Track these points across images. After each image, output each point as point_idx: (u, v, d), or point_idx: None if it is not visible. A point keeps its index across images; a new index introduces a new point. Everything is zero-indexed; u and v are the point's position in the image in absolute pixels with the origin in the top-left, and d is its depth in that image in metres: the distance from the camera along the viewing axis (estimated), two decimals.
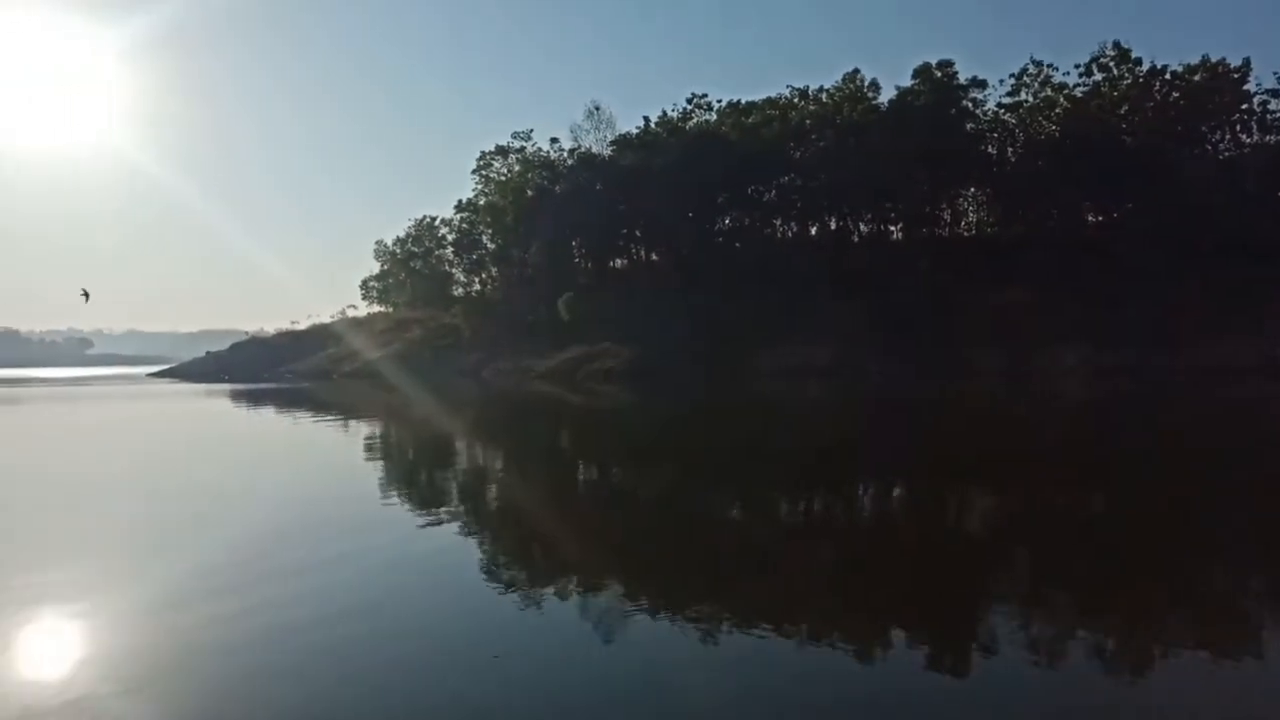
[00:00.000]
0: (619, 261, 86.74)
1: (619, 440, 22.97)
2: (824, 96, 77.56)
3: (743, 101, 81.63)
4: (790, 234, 79.88)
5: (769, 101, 79.95)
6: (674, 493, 14.03)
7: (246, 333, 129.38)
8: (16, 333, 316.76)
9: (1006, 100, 71.86)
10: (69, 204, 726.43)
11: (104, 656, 6.22)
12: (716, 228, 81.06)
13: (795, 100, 79.07)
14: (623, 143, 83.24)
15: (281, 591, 7.67)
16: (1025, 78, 71.40)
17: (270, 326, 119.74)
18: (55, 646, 6.52)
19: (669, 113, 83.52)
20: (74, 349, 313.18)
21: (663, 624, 6.85)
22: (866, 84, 75.82)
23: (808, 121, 75.92)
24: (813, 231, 79.45)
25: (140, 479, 16.78)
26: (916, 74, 71.71)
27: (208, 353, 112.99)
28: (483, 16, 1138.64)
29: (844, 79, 76.74)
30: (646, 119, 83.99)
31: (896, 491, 14.12)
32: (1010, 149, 72.51)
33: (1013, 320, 53.12)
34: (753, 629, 6.64)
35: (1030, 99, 71.58)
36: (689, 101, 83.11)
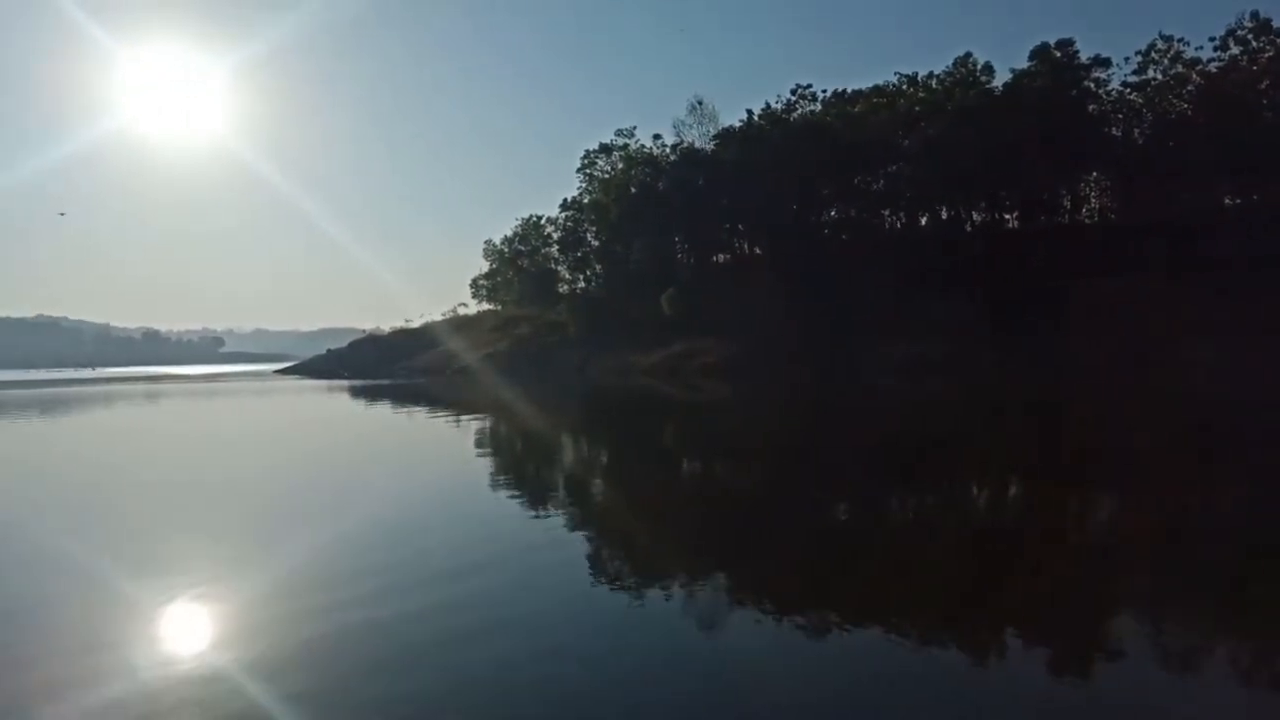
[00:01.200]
0: (722, 256, 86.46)
1: (730, 437, 22.68)
2: (934, 82, 75.25)
3: (848, 90, 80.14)
4: (899, 225, 77.83)
5: (876, 90, 78.12)
6: (793, 492, 13.90)
7: (364, 331, 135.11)
8: (157, 332, 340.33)
9: (1132, 79, 68.16)
10: (200, 215, 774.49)
11: (271, 658, 6.16)
12: (821, 220, 79.78)
13: (904, 87, 76.98)
14: (725, 136, 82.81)
15: (444, 596, 7.55)
16: (1154, 54, 67.53)
17: (386, 325, 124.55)
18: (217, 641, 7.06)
19: (772, 105, 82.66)
20: (208, 347, 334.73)
21: (769, 623, 6.86)
22: (979, 67, 73.17)
23: (917, 108, 73.79)
24: (923, 222, 77.20)
25: (283, 476, 17.79)
26: (1033, 55, 68.78)
27: (328, 350, 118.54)
28: (583, 18, 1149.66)
29: (955, 63, 74.28)
30: (749, 112, 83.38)
31: (1043, 499, 13.52)
32: (1136, 130, 68.71)
33: (1139, 311, 50.30)
34: (862, 629, 6.62)
35: (1159, 76, 67.66)
36: (793, 93, 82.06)
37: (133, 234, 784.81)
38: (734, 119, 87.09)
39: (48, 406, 43.30)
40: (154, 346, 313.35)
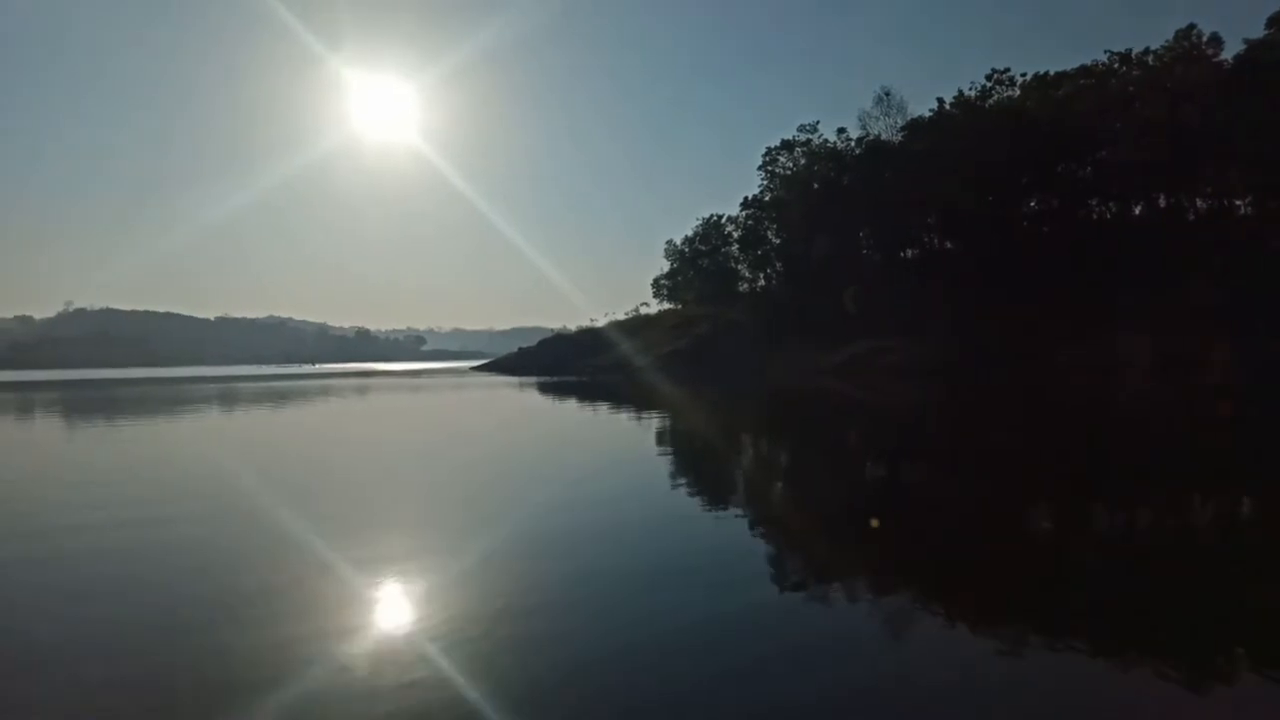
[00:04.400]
0: (909, 252, 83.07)
1: (934, 442, 21.68)
2: (1150, 59, 68.82)
3: (1050, 73, 74.73)
4: (1108, 215, 71.68)
5: (1083, 70, 72.40)
6: (1004, 505, 13.13)
7: (552, 330, 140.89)
8: (368, 331, 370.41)
9: None
10: (404, 223, 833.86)
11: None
12: (1021, 211, 74.87)
13: (1115, 66, 70.88)
14: (914, 127, 79.57)
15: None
16: None
17: (573, 324, 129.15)
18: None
19: (965, 92, 78.48)
20: (411, 345, 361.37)
21: (975, 640, 6.49)
22: (1204, 40, 66.24)
23: (1130, 88, 67.76)
24: (1136, 211, 70.65)
25: (484, 466, 18.78)
26: (1271, 23, 61.42)
27: (519, 348, 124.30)
28: (770, 15, 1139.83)
29: (1176, 36, 67.62)
30: (940, 100, 79.64)
31: None
32: None
33: None
34: (1070, 652, 6.13)
35: None
36: (987, 78, 77.55)
37: (347, 241, 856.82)
38: (923, 109, 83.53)
39: (279, 397, 48.01)
40: (365, 344, 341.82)
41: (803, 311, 76.71)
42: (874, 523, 10.28)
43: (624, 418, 29.47)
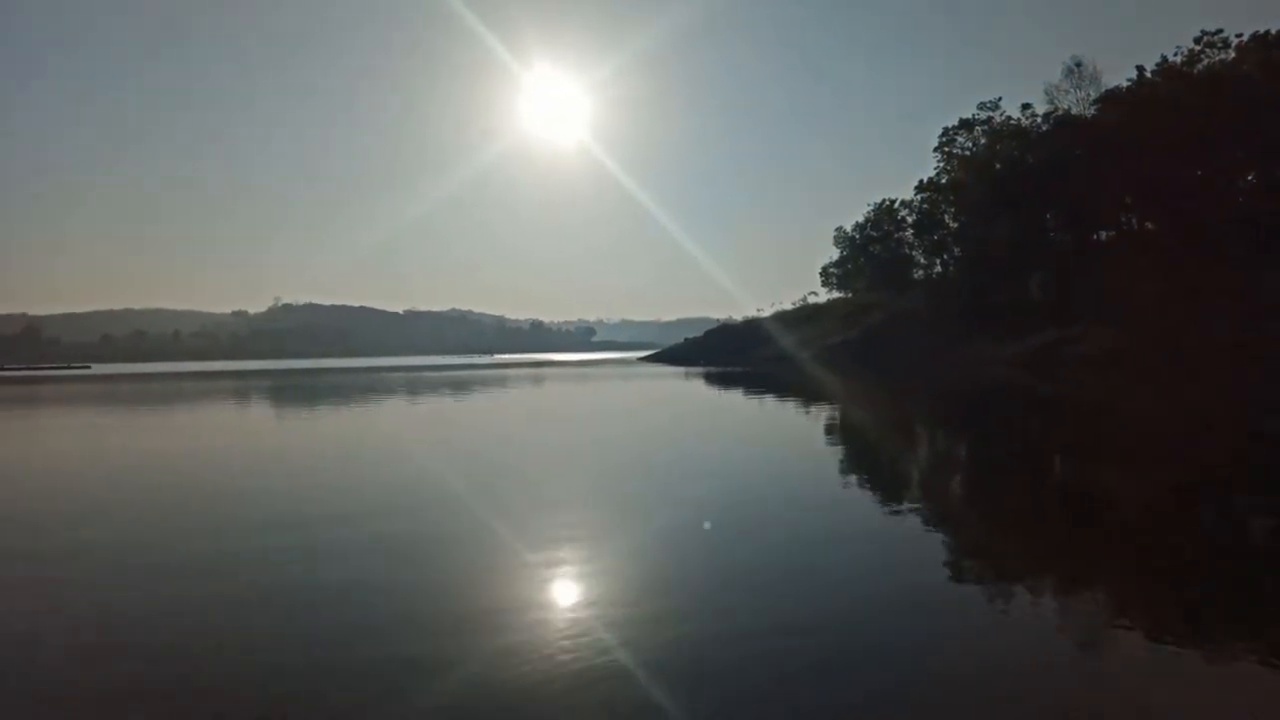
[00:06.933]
0: (1102, 234, 76.84)
1: (1128, 444, 19.20)
2: None
3: (1273, 32, 66.78)
4: None
5: None
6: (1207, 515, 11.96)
7: (718, 320, 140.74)
8: (541, 323, 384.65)
9: None
10: (573, 217, 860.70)
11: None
12: (1236, 186, 67.51)
13: None
14: (1110, 99, 73.40)
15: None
16: None
17: (738, 314, 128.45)
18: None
19: (1169, 58, 71.59)
20: (582, 336, 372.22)
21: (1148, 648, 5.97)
22: None
23: None
24: None
25: (654, 454, 19.20)
26: None
27: (685, 339, 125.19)
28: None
29: None
30: (1140, 69, 73.02)
31: None
32: None
33: None
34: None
35: None
36: (1196, 41, 70.26)
37: (522, 236, 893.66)
38: (1119, 80, 76.82)
39: (470, 385, 50.82)
40: (538, 336, 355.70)
41: (982, 299, 72.84)
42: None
43: (799, 411, 29.11)
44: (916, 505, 10.82)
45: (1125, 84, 73.49)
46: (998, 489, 12.74)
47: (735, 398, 36.29)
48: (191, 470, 15.20)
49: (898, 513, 10.26)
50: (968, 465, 15.99)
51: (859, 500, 11.62)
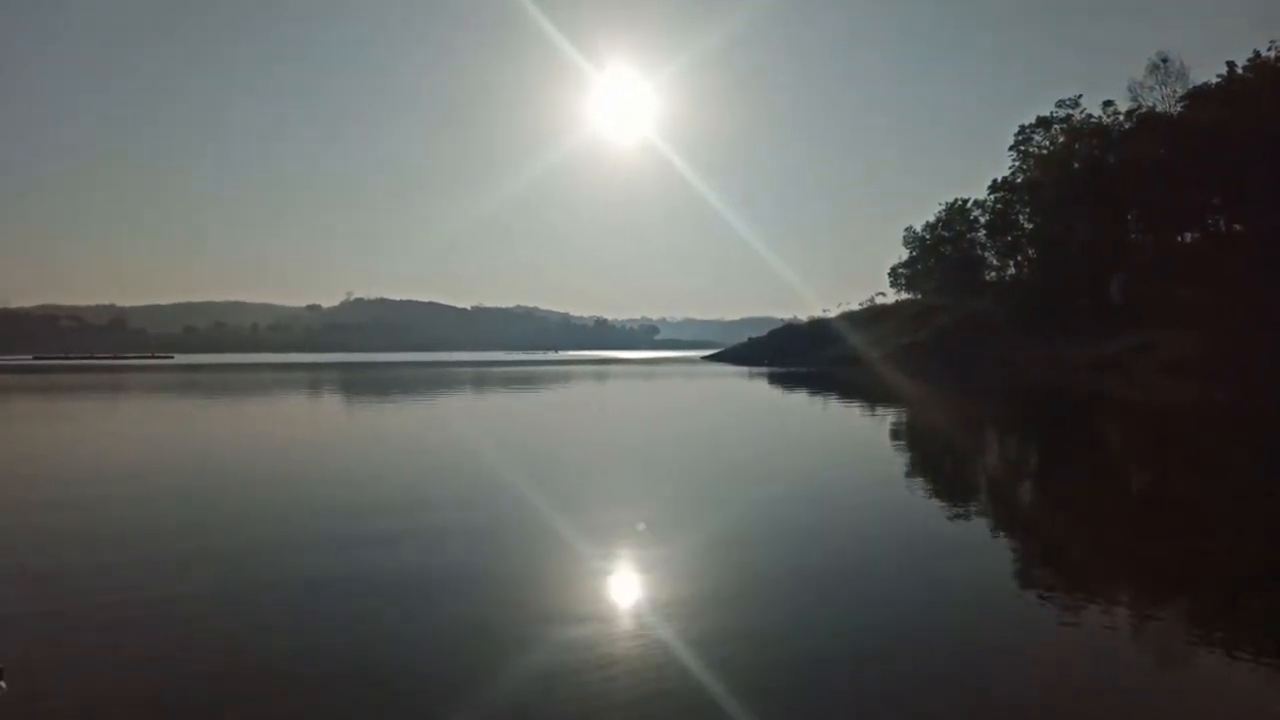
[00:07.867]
0: (1187, 236, 74.06)
1: (1220, 452, 18.18)
2: None
3: None
4: None
5: None
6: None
7: (782, 320, 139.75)
8: (605, 321, 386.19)
9: None
10: (638, 215, 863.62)
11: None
12: None
13: None
14: (1198, 96, 70.72)
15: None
16: None
17: (804, 314, 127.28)
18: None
19: (1262, 53, 68.61)
20: (645, 334, 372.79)
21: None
22: None
23: None
24: None
25: (723, 457, 19.40)
26: None
27: (749, 339, 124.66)
28: None
29: None
30: (1230, 64, 70.19)
31: None
32: None
33: None
34: None
35: None
36: None
37: (587, 233, 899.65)
38: (1208, 76, 73.82)
39: (540, 381, 51.67)
40: (602, 333, 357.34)
41: (1057, 301, 70.97)
42: None
43: (854, 412, 28.93)
44: (979, 516, 10.76)
45: (1215, 80, 70.77)
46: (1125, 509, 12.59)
47: (798, 399, 36.19)
48: (311, 458, 16.08)
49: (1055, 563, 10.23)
50: (1083, 481, 15.78)
51: (987, 543, 11.65)
